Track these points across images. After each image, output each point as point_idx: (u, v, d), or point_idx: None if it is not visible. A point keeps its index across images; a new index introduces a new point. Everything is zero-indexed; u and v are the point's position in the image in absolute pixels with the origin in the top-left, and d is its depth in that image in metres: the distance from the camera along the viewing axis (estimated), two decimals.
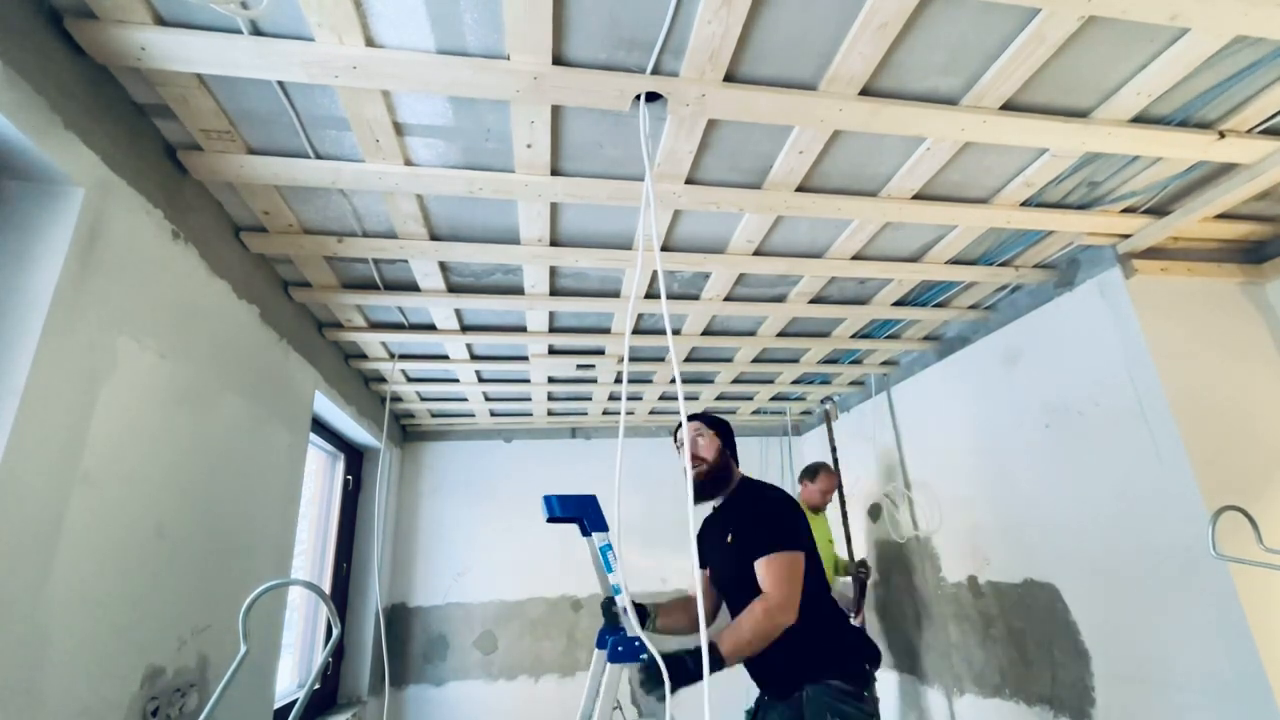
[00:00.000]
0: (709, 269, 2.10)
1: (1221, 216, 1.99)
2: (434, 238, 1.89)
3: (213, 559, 1.69)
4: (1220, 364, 1.97)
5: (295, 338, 2.21)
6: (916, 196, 1.80)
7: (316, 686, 2.92)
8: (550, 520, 1.68)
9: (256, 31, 1.18)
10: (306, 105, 1.37)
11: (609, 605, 1.68)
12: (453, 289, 2.22)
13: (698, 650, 1.50)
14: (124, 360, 1.33)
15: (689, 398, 3.68)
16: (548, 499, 1.67)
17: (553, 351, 2.83)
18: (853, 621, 2.80)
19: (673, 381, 3.36)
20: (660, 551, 3.88)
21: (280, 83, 1.30)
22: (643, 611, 1.83)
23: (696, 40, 1.22)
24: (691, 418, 2.00)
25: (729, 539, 1.85)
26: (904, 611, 3.24)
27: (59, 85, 1.13)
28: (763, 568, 1.71)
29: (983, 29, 1.26)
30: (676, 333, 2.68)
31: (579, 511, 1.65)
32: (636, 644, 1.54)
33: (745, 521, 1.84)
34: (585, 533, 1.65)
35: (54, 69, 1.12)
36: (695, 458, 1.93)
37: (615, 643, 1.55)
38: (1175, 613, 1.85)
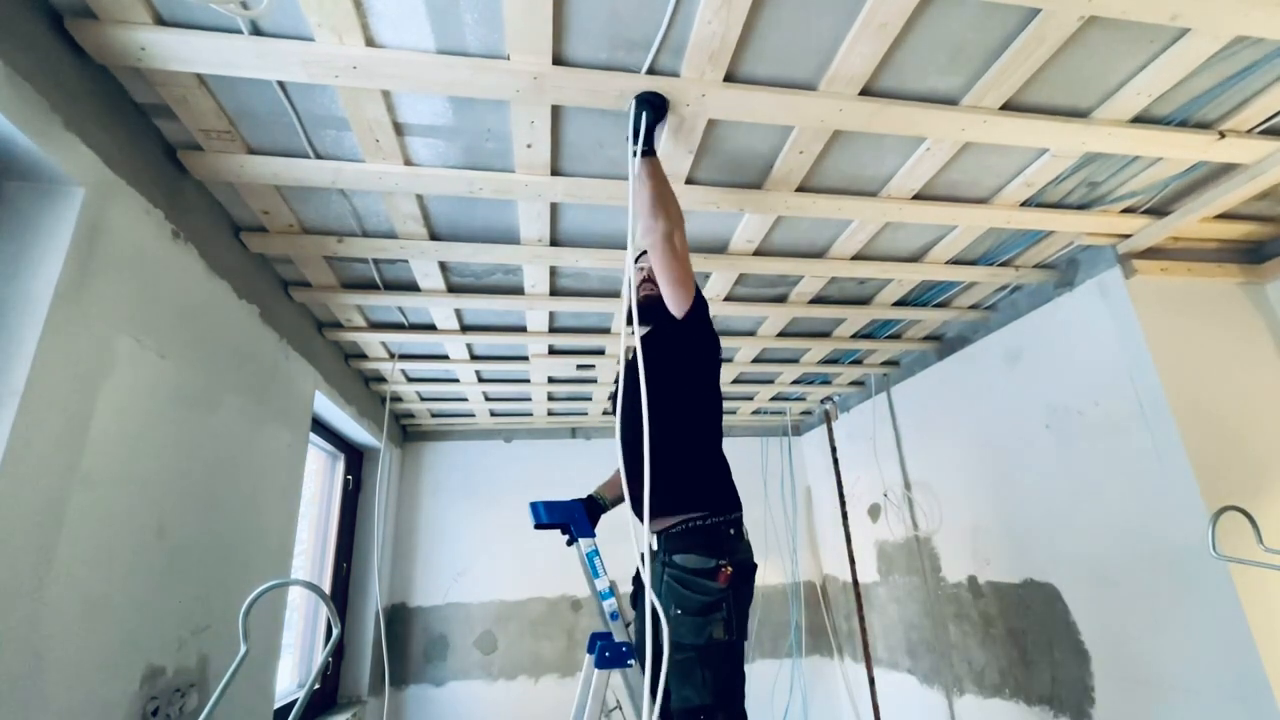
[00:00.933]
0: (709, 269, 2.10)
1: (1221, 216, 1.99)
2: (434, 238, 1.89)
3: (213, 559, 1.69)
4: (1220, 364, 1.97)
5: (295, 338, 2.21)
6: (916, 196, 1.80)
7: (316, 686, 2.92)
8: (538, 527, 1.66)
9: (256, 31, 1.18)
10: (306, 105, 1.37)
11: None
12: (453, 289, 2.22)
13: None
14: (124, 360, 1.33)
15: None
16: (534, 506, 1.65)
17: (553, 351, 2.83)
18: None
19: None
20: None
21: (280, 83, 1.30)
22: (596, 505, 1.73)
23: (696, 40, 1.22)
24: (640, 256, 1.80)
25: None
26: (904, 611, 3.24)
27: (59, 85, 1.13)
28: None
29: (983, 29, 1.26)
30: None
31: (565, 518, 1.64)
32: (624, 649, 1.54)
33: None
34: (571, 540, 1.64)
35: (54, 69, 1.12)
36: (646, 282, 1.73)
37: (603, 648, 1.54)
38: (1175, 613, 1.85)
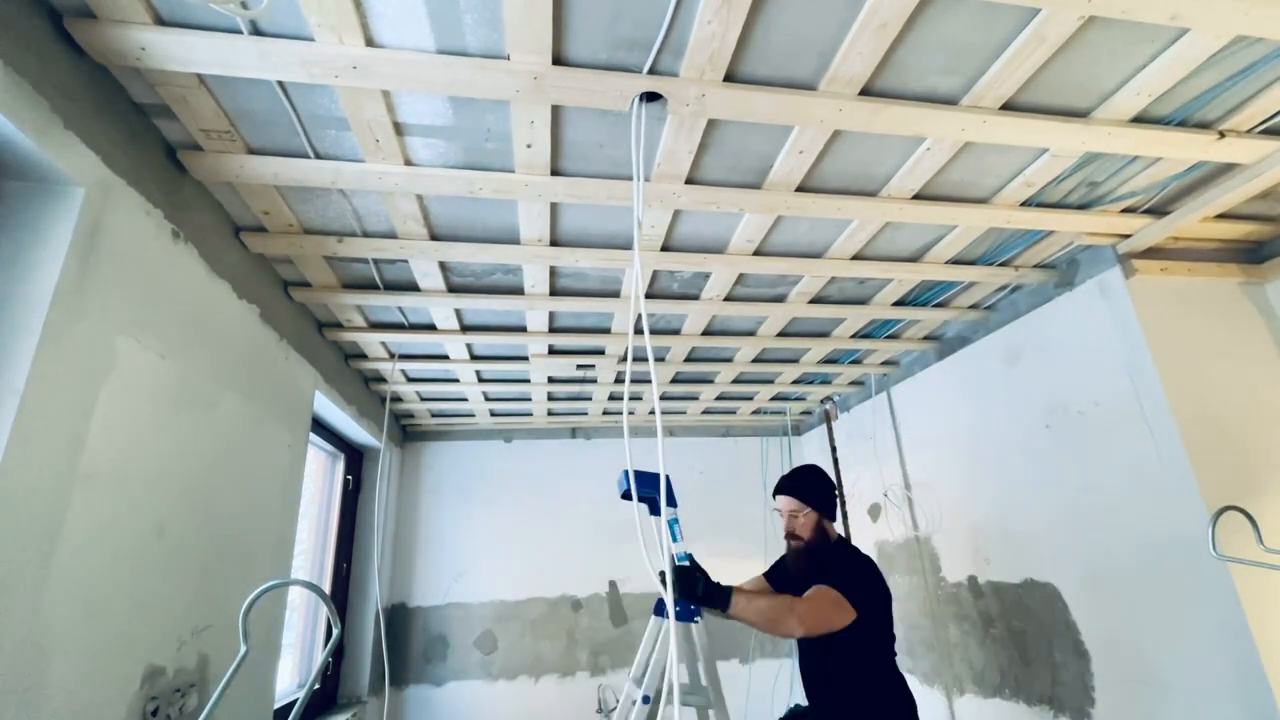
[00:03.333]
0: (709, 269, 2.10)
1: (1221, 216, 1.99)
2: (434, 238, 1.89)
3: (213, 559, 1.69)
4: (1220, 364, 1.97)
5: (295, 338, 2.21)
6: (916, 196, 1.79)
7: (316, 686, 2.92)
8: (624, 496, 1.72)
9: (256, 31, 1.18)
10: (306, 105, 1.37)
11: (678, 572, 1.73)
12: (453, 289, 2.22)
13: (717, 586, 1.75)
14: (124, 360, 1.33)
15: (689, 397, 3.68)
16: (626, 474, 1.68)
17: (553, 351, 2.83)
18: None
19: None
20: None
21: (280, 83, 1.30)
22: (707, 581, 1.77)
23: (696, 40, 1.22)
24: (782, 489, 2.11)
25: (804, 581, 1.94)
26: (904, 611, 3.24)
27: (59, 85, 1.13)
28: (810, 590, 1.84)
29: (983, 29, 1.26)
30: (676, 333, 2.68)
31: (655, 489, 1.67)
32: (692, 608, 1.71)
33: (824, 572, 1.90)
34: (655, 511, 1.72)
35: (54, 69, 1.12)
36: (792, 535, 2.08)
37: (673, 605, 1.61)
38: (1175, 613, 1.85)
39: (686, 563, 1.74)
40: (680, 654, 1.72)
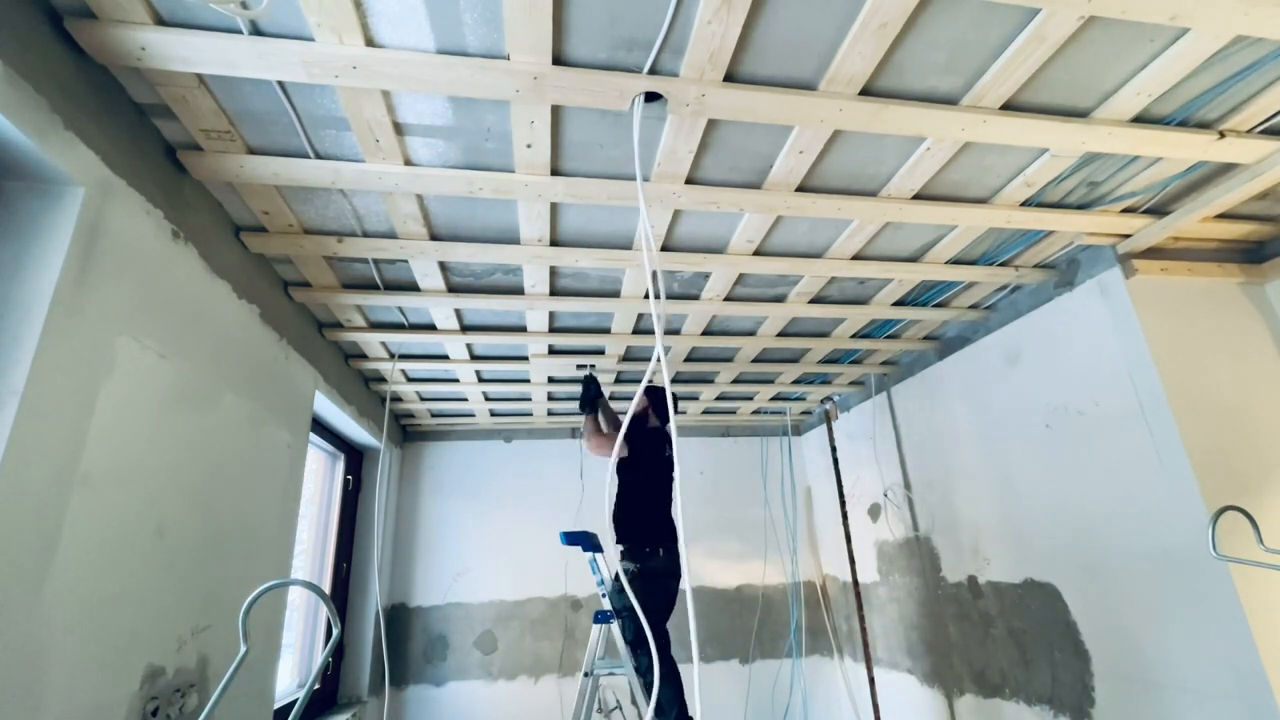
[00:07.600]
0: (709, 269, 2.10)
1: (1222, 216, 1.99)
2: (434, 238, 1.89)
3: (213, 559, 1.69)
4: (1220, 364, 1.97)
5: (295, 338, 2.21)
6: (916, 196, 1.80)
7: (316, 686, 2.92)
8: (566, 544, 2.58)
9: (256, 31, 1.18)
10: (306, 105, 1.37)
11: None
12: (453, 289, 2.22)
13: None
14: (124, 360, 1.33)
15: (689, 397, 3.68)
16: (561, 535, 2.62)
17: (553, 351, 2.83)
18: None
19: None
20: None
21: (280, 83, 1.30)
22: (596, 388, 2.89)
23: (696, 40, 1.22)
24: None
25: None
26: (904, 611, 3.24)
27: (59, 85, 1.13)
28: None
29: (983, 29, 1.26)
30: (676, 333, 2.68)
31: (580, 540, 2.56)
32: (608, 613, 2.47)
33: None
34: (585, 549, 2.58)
35: (54, 69, 1.12)
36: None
37: (597, 613, 2.48)
38: (1175, 613, 1.85)
39: (603, 586, 2.53)
40: (605, 643, 2.51)
